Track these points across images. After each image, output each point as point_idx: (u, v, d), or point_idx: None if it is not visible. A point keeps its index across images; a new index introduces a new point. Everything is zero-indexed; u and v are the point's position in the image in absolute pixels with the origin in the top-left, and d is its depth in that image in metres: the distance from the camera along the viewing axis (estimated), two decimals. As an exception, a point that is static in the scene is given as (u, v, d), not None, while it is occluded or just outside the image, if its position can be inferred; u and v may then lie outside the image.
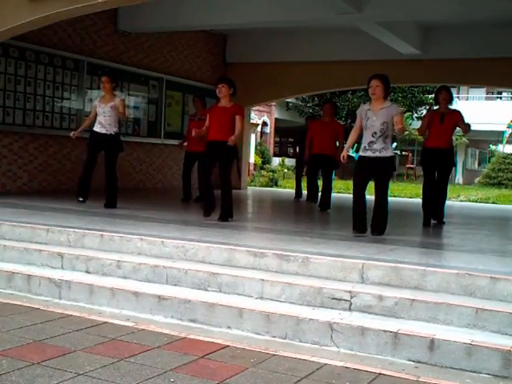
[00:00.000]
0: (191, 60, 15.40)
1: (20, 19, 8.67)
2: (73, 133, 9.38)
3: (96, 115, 9.08)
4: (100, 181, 9.44)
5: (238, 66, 16.02)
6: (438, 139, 8.57)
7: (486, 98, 43.09)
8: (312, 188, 11.61)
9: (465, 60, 13.68)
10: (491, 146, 37.68)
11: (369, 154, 7.00)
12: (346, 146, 7.48)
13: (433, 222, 8.94)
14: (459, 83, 18.74)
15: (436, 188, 8.75)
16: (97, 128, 9.06)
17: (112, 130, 9.03)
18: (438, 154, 8.55)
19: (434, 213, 8.90)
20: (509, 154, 34.29)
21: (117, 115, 9.05)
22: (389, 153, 7.03)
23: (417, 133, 8.03)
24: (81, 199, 9.29)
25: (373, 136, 6.94)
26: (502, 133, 36.20)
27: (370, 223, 7.26)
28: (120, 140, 9.25)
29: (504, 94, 43.21)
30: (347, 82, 16.36)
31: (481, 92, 42.04)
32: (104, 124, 9.00)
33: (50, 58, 11.69)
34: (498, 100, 43.55)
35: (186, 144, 11.51)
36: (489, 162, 35.21)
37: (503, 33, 12.99)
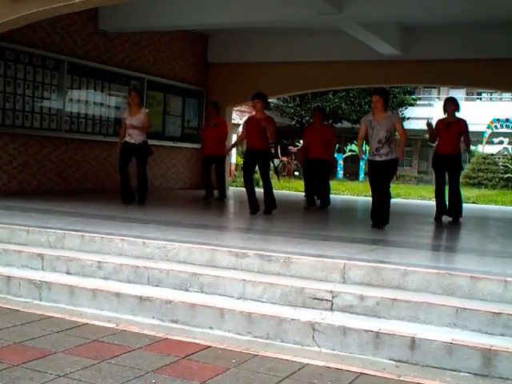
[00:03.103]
0: (172, 60, 15.35)
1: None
2: (118, 150, 10.27)
3: (126, 127, 10.11)
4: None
5: (220, 66, 16.03)
6: (444, 146, 9.52)
7: (466, 99, 43.32)
8: (310, 192, 11.99)
9: (445, 61, 13.76)
10: (471, 146, 37.94)
11: (377, 158, 8.06)
12: (360, 154, 9.04)
13: (448, 219, 9.75)
14: (439, 84, 18.88)
15: (448, 189, 9.73)
16: (127, 139, 10.10)
17: (139, 139, 10.08)
18: (444, 159, 9.50)
19: (447, 210, 9.80)
20: (489, 155, 34.54)
21: (143, 126, 10.06)
22: (393, 155, 8.07)
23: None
24: (126, 203, 10.13)
25: (379, 143, 7.99)
26: (481, 133, 36.47)
27: (373, 216, 8.25)
28: (147, 146, 10.22)
29: (484, 95, 43.53)
30: (329, 83, 16.45)
31: (461, 92, 42.27)
32: (132, 135, 10.04)
33: (30, 57, 11.59)
34: (478, 101, 43.85)
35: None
36: (469, 162, 35.44)
37: (483, 34, 13.10)
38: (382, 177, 8.12)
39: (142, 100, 10.61)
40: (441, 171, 9.68)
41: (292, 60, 15.07)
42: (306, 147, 11.77)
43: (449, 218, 9.76)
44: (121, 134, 10.38)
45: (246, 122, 9.67)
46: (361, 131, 8.40)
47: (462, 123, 9.56)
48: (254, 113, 9.71)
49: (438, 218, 9.87)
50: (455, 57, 13.62)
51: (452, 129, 9.44)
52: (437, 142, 9.76)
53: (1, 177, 11.16)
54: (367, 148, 8.65)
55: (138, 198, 10.20)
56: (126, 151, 10.13)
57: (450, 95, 42.28)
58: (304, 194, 12.60)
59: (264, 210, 9.48)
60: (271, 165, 9.64)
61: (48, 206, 9.21)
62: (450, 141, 9.45)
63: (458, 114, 9.69)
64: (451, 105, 9.63)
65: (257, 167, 9.55)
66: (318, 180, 11.74)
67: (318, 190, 11.92)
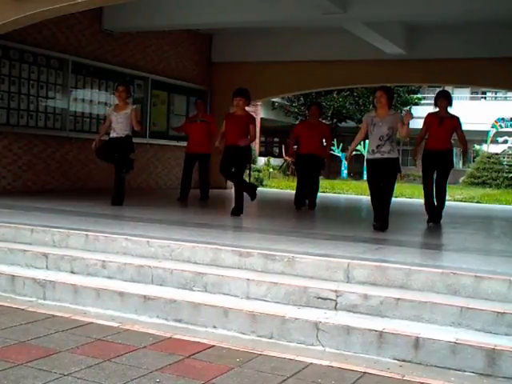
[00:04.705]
0: (176, 59, 15.36)
1: (4, 18, 8.62)
2: (93, 145, 9.71)
3: (110, 123, 9.63)
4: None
5: (224, 66, 16.03)
6: (437, 141, 8.89)
7: (471, 98, 43.32)
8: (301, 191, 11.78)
9: (450, 60, 13.74)
10: (476, 145, 37.90)
11: (377, 156, 7.65)
12: (351, 148, 8.27)
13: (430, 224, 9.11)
14: (444, 83, 18.78)
15: (436, 189, 9.03)
16: (112, 134, 9.62)
17: (123, 133, 9.55)
18: (436, 155, 8.88)
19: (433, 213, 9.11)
20: (493, 154, 34.52)
21: (129, 121, 9.54)
22: (395, 154, 7.75)
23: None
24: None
25: (380, 140, 7.62)
26: (486, 132, 36.43)
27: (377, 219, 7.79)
28: (131, 142, 9.69)
29: (488, 94, 43.46)
30: (333, 82, 16.45)
31: (465, 92, 42.25)
32: (117, 130, 9.55)
33: (35, 56, 11.61)
34: (483, 100, 43.80)
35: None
36: (473, 161, 35.39)
37: (488, 33, 13.07)
38: (382, 176, 7.72)
39: (130, 95, 10.16)
40: (432, 169, 9.02)
41: (296, 59, 15.06)
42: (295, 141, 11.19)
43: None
44: (101, 131, 9.94)
45: (227, 118, 9.27)
46: (362, 128, 7.98)
47: (456, 118, 9.05)
48: (234, 109, 9.31)
49: (431, 220, 9.16)
50: (460, 56, 13.59)
51: (446, 124, 8.92)
52: (427, 138, 9.13)
53: (5, 176, 11.18)
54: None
55: (114, 198, 9.61)
56: (110, 148, 9.60)
57: (455, 94, 42.44)
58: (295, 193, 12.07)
59: (232, 211, 9.07)
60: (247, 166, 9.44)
61: (52, 205, 9.22)
62: (444, 136, 8.92)
63: (450, 110, 9.17)
64: (444, 99, 9.04)
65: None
66: (309, 177, 11.11)
67: (307, 188, 11.28)
